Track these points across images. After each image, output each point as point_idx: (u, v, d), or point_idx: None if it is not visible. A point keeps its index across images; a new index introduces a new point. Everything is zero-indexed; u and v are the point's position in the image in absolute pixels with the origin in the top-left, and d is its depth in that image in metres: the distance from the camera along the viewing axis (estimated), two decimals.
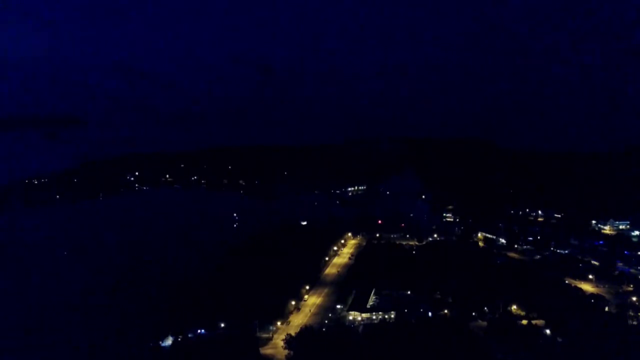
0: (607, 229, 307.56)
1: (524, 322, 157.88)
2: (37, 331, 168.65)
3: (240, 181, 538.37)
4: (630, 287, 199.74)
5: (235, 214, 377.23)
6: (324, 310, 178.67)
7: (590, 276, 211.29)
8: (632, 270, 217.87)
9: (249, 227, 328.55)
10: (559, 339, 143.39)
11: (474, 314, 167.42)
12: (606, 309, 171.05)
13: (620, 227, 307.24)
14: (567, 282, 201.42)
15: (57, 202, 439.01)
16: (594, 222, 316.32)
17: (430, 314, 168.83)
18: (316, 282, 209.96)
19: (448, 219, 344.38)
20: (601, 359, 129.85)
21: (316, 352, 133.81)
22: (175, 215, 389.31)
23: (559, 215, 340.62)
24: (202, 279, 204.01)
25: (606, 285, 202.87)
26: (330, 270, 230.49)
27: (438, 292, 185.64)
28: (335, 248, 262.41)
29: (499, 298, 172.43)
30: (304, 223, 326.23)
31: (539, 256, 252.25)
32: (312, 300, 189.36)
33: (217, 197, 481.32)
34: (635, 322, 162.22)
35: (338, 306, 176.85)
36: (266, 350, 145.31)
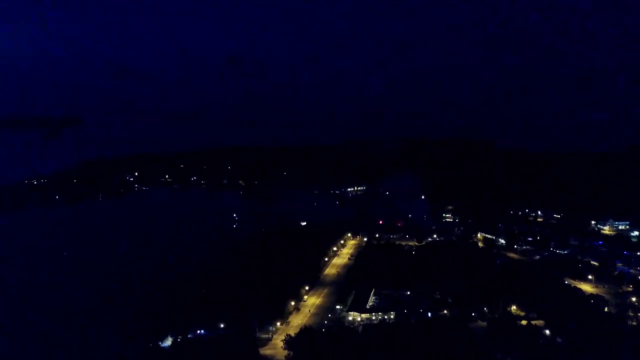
0: (606, 229, 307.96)
1: (524, 322, 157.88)
2: (36, 331, 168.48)
3: (240, 181, 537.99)
4: (629, 287, 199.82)
5: (234, 214, 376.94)
6: (324, 310, 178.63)
7: (590, 276, 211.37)
8: (631, 271, 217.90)
9: (248, 227, 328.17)
10: (559, 339, 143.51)
11: (473, 314, 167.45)
12: (606, 309, 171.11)
13: (620, 227, 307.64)
14: (566, 282, 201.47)
15: (57, 202, 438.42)
16: (593, 222, 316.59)
17: (430, 314, 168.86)
18: (316, 282, 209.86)
19: (447, 219, 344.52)
20: (601, 359, 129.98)
21: (316, 352, 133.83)
22: (174, 215, 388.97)
23: (559, 216, 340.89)
24: (201, 279, 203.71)
25: (606, 286, 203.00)
26: (330, 271, 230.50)
27: (438, 292, 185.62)
28: (334, 248, 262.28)
29: (499, 298, 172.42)
30: (304, 223, 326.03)
31: (538, 256, 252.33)
32: (312, 301, 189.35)
33: (216, 198, 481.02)
34: (634, 322, 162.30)
35: (338, 306, 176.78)
36: (266, 351, 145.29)
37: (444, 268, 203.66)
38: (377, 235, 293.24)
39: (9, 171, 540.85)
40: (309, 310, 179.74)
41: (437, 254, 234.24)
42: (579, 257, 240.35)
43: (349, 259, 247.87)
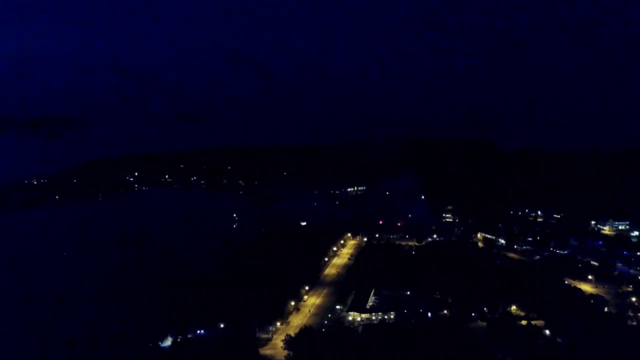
0: (606, 229, 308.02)
1: (524, 322, 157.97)
2: (36, 331, 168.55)
3: (240, 181, 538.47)
4: (629, 287, 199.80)
5: (234, 214, 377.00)
6: (324, 310, 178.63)
7: (590, 276, 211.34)
8: (631, 271, 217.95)
9: (248, 227, 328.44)
10: (559, 339, 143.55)
11: (473, 314, 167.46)
12: (605, 309, 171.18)
13: (620, 227, 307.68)
14: (566, 282, 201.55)
15: (57, 202, 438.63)
16: (593, 222, 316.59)
17: (430, 314, 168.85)
18: (316, 282, 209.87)
19: (447, 219, 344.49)
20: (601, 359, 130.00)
21: (316, 352, 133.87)
22: (174, 215, 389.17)
23: (559, 216, 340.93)
24: (201, 279, 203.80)
25: (606, 286, 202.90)
26: (330, 271, 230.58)
27: (438, 292, 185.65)
28: (334, 248, 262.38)
29: (499, 298, 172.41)
30: (304, 223, 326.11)
31: (538, 256, 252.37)
32: (312, 301, 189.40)
33: (216, 197, 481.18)
34: (634, 323, 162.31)
35: (337, 306, 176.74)
36: (265, 351, 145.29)
37: (444, 268, 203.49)
38: (377, 235, 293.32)
39: (9, 171, 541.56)
40: (309, 310, 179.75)
41: (437, 254, 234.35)
42: (579, 257, 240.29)
43: (349, 259, 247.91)
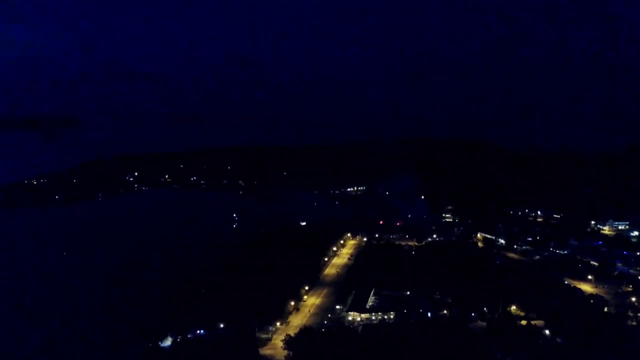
0: (606, 230, 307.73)
1: (524, 322, 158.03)
2: (35, 331, 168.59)
3: (240, 181, 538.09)
4: (629, 287, 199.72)
5: (234, 214, 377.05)
6: (324, 310, 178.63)
7: (590, 276, 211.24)
8: (631, 271, 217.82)
9: (248, 227, 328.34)
10: (559, 339, 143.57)
11: (473, 314, 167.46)
12: (605, 309, 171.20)
13: (620, 227, 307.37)
14: (566, 282, 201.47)
15: (57, 202, 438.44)
16: (593, 222, 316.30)
17: (429, 314, 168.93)
18: (315, 282, 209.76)
19: (447, 219, 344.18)
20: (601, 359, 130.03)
21: (315, 352, 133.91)
22: (174, 215, 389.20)
23: (559, 216, 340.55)
24: (201, 279, 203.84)
25: (605, 286, 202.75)
26: (330, 271, 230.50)
27: (438, 292, 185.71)
28: (334, 248, 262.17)
29: (498, 298, 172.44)
30: (304, 223, 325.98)
31: (538, 256, 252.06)
32: (312, 301, 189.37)
33: (216, 197, 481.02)
34: (634, 323, 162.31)
35: (337, 306, 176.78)
36: (265, 351, 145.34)
37: (444, 268, 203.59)
38: (376, 235, 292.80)
39: (9, 171, 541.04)
40: (309, 310, 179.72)
41: (437, 254, 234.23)
42: (579, 257, 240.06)
43: (349, 259, 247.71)
